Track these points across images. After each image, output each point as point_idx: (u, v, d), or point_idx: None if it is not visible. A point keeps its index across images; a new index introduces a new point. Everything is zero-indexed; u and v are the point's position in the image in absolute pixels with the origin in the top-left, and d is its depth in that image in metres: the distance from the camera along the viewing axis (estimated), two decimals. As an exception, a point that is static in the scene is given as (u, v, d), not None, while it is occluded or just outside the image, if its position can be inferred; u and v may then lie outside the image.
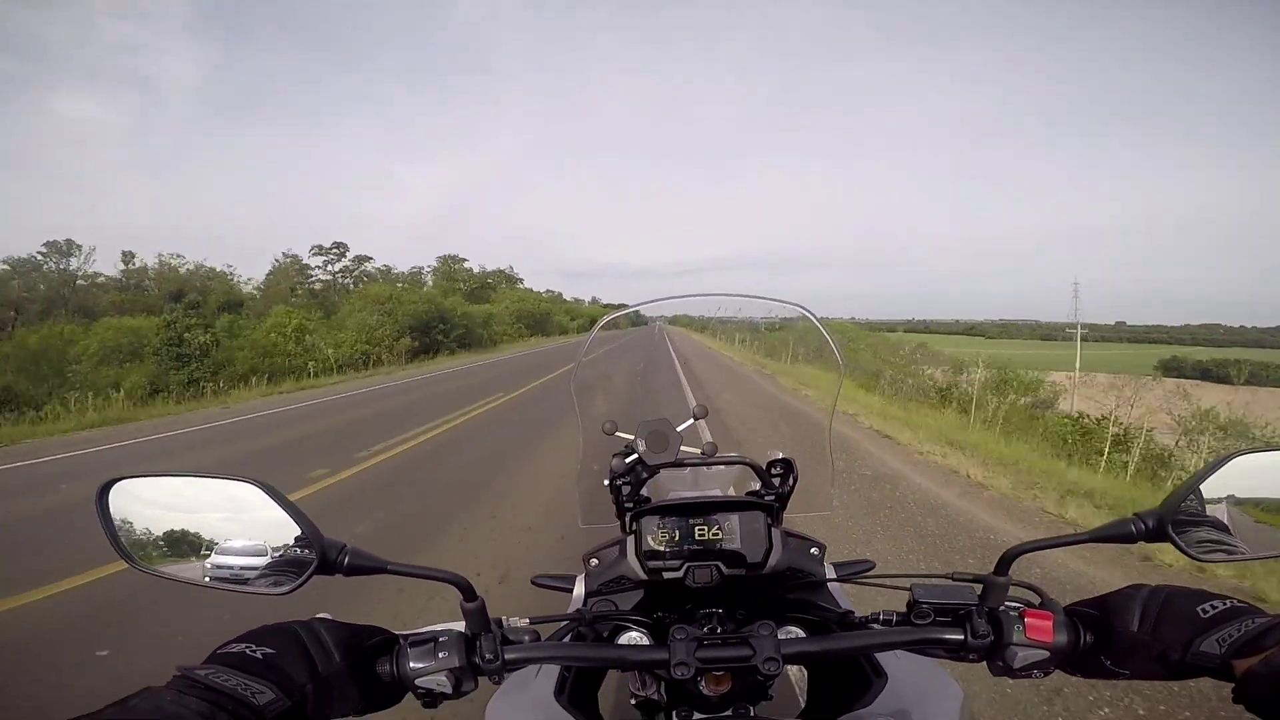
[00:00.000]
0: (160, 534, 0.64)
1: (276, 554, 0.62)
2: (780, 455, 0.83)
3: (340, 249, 44.24)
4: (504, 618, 0.68)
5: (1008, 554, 0.64)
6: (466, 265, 53.73)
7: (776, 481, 0.82)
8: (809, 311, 0.92)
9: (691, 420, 0.85)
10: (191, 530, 0.63)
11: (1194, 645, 0.55)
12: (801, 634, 0.75)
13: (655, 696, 0.77)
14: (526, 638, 0.66)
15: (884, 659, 0.75)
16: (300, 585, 0.60)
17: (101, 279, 34.41)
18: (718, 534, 0.74)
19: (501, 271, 63.76)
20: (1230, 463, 0.61)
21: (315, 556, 0.59)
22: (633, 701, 0.79)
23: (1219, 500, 0.62)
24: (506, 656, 0.63)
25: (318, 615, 0.61)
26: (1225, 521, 0.62)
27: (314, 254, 43.30)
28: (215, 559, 0.63)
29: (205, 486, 0.64)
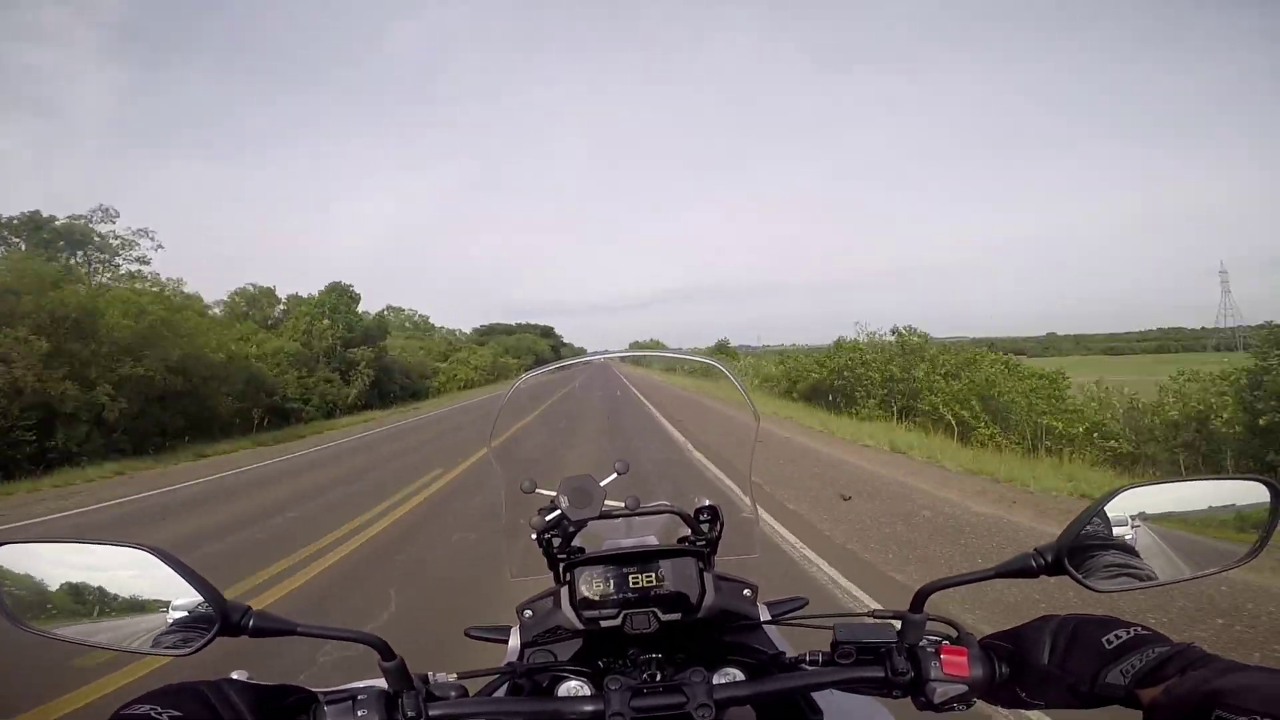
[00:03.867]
0: (54, 598, 0.61)
1: (176, 617, 0.60)
2: (706, 502, 0.85)
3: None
4: (430, 673, 0.67)
5: (921, 591, 0.66)
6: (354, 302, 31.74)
7: (705, 528, 0.83)
8: (723, 368, 1.03)
9: (615, 475, 0.85)
10: (86, 594, 0.61)
11: (1101, 676, 0.56)
12: (741, 676, 0.76)
13: None
14: (453, 693, 0.65)
15: (819, 697, 0.76)
16: (202, 647, 0.58)
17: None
18: (651, 580, 0.75)
19: (402, 311, 54.07)
20: (1118, 497, 0.65)
21: (217, 619, 0.58)
22: None
23: (1116, 532, 0.65)
24: (431, 714, 0.61)
25: (229, 675, 0.58)
26: (1125, 551, 0.65)
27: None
28: (112, 622, 0.61)
29: (97, 553, 0.62)
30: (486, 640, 0.94)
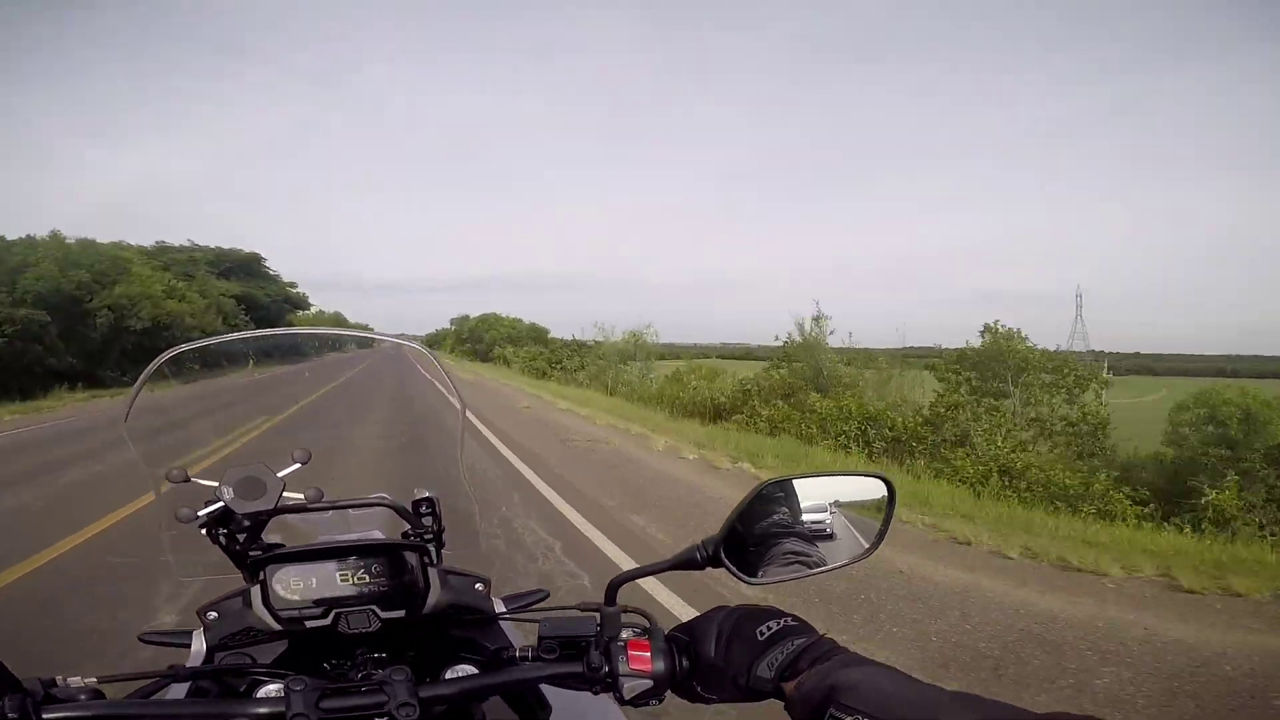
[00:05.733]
0: None
1: None
2: (426, 494, 0.80)
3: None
4: (60, 677, 0.57)
5: (612, 583, 0.67)
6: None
7: (427, 521, 0.80)
8: (427, 351, 1.12)
9: (296, 465, 0.77)
10: None
11: (753, 668, 0.56)
12: (473, 671, 0.74)
13: None
14: (82, 696, 0.56)
15: (547, 692, 0.77)
16: None
17: None
18: (364, 578, 0.70)
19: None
20: (764, 489, 0.68)
21: None
22: None
23: (798, 522, 0.69)
24: (44, 717, 0.52)
25: None
26: (801, 540, 0.69)
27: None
28: None
29: None
30: (162, 644, 0.80)
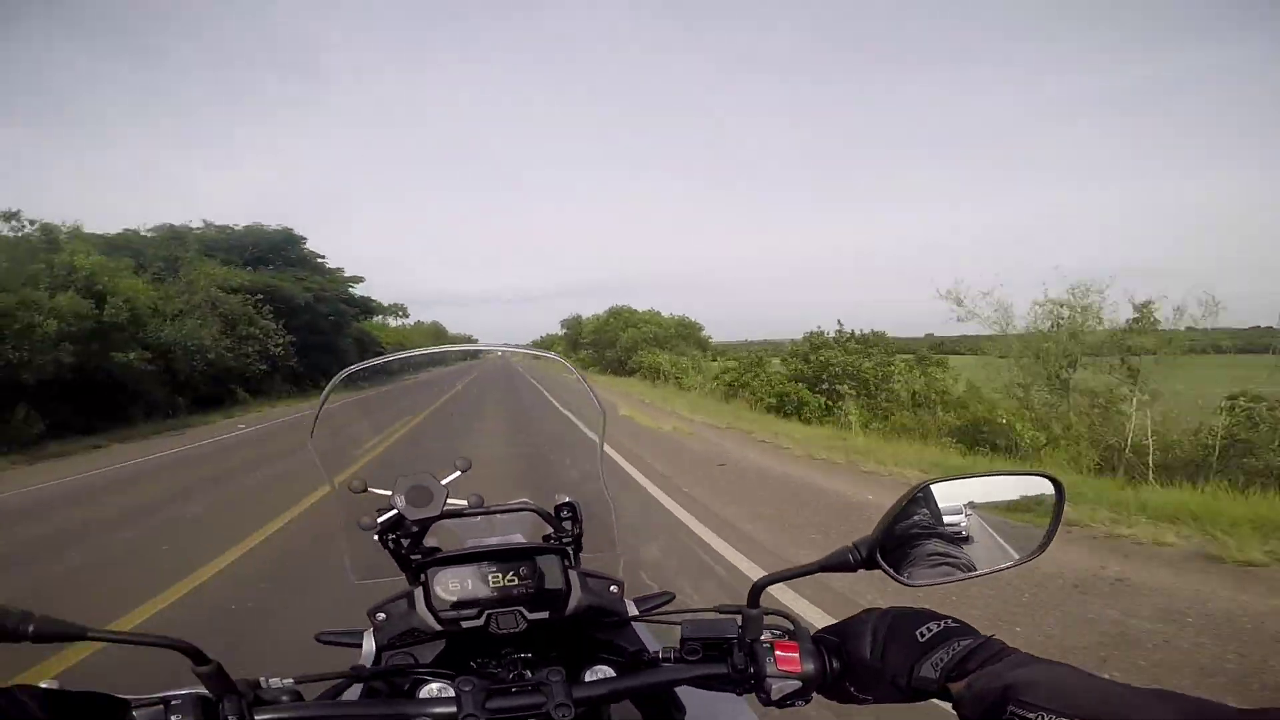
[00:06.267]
0: None
1: None
2: (565, 499, 0.84)
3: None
4: (262, 678, 0.63)
5: (756, 585, 0.66)
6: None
7: (568, 525, 0.83)
8: (565, 361, 1.11)
9: (457, 473, 0.82)
10: None
11: (916, 670, 0.56)
12: (612, 673, 0.77)
13: None
14: (285, 698, 0.62)
15: (684, 694, 0.77)
16: None
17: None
18: (513, 580, 0.74)
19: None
20: (923, 490, 0.66)
21: None
22: None
23: (941, 525, 0.66)
24: (257, 719, 0.58)
25: (14, 682, 0.52)
26: (948, 542, 0.67)
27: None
28: None
29: None
30: (338, 644, 0.88)
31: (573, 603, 0.75)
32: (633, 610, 0.85)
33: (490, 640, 0.74)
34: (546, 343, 63.80)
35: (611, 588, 0.81)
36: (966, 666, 0.53)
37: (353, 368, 0.97)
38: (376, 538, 0.79)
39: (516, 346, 1.53)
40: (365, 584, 0.91)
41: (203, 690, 0.58)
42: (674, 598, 0.94)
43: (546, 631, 0.75)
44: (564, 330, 56.34)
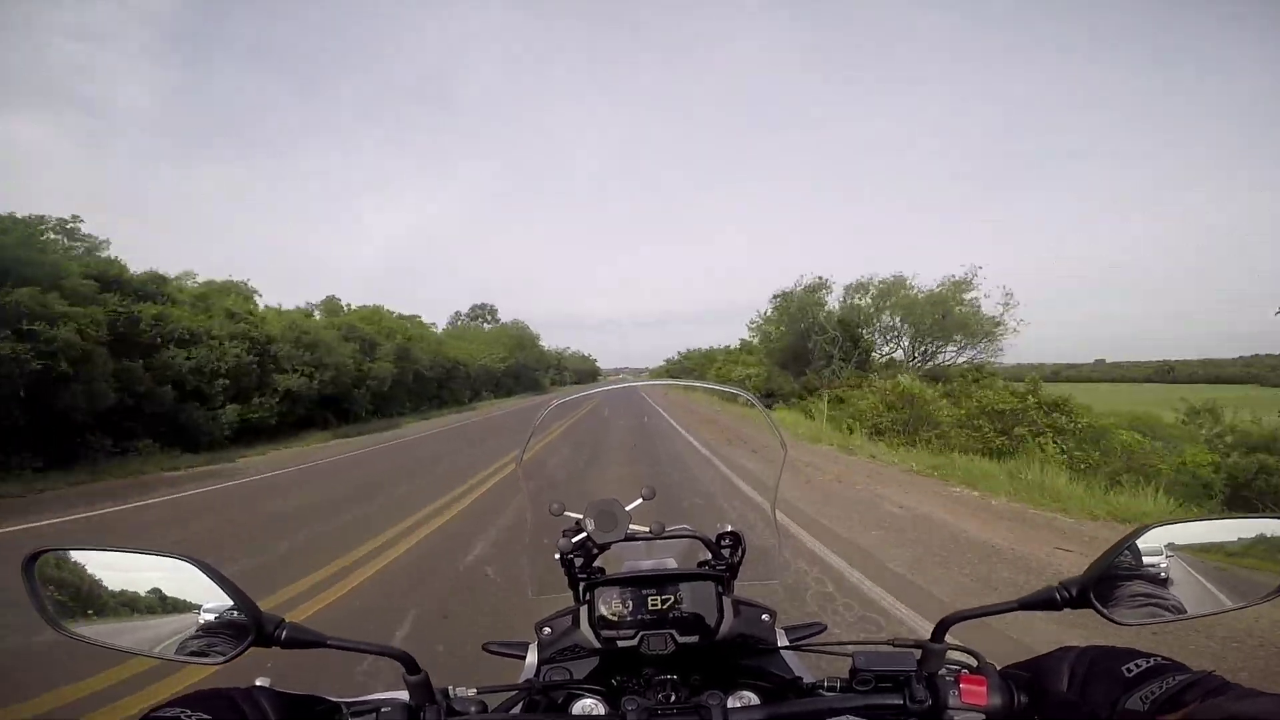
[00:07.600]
0: (91, 603, 0.63)
1: (212, 626, 0.62)
2: (729, 528, 0.86)
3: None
4: (450, 687, 0.69)
5: (944, 621, 0.66)
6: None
7: (726, 553, 0.85)
8: (751, 397, 1.09)
9: (640, 500, 0.86)
10: (123, 601, 0.63)
11: (1120, 704, 0.56)
12: (755, 700, 0.76)
13: None
14: (473, 708, 0.67)
15: None
16: (235, 656, 0.60)
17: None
18: (669, 603, 0.76)
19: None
20: (1148, 532, 0.65)
21: (252, 629, 0.60)
22: None
23: (1147, 563, 0.65)
24: None
25: (255, 683, 0.61)
26: (1153, 583, 0.65)
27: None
28: (148, 629, 0.62)
29: (136, 560, 0.64)
30: (504, 655, 0.95)
31: (723, 629, 0.76)
32: (783, 640, 0.84)
33: (639, 660, 0.77)
34: (667, 369, 64.97)
35: (764, 616, 0.81)
36: (1183, 699, 0.52)
37: (556, 401, 1.06)
38: (558, 556, 0.84)
39: (704, 384, 1.58)
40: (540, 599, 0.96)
41: (404, 696, 0.64)
42: (825, 629, 0.92)
43: (693, 654, 0.76)
44: (679, 357, 59.16)
